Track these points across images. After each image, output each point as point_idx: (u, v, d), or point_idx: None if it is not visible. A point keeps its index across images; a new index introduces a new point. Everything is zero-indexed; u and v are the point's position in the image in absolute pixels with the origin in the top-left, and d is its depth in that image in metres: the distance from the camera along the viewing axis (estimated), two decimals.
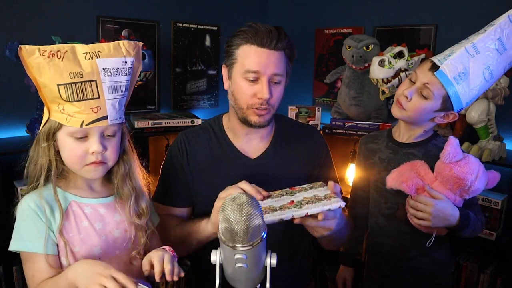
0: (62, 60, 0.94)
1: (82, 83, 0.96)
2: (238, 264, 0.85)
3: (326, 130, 2.43)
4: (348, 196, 1.62)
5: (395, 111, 1.35)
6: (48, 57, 0.93)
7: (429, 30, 2.34)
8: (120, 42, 1.03)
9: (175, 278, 0.95)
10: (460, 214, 1.23)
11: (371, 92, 2.33)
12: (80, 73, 0.96)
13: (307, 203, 1.02)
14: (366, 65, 2.29)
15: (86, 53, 0.97)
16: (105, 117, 1.00)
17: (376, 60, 2.07)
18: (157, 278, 0.95)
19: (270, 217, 0.95)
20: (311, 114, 2.51)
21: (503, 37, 1.22)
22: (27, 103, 1.98)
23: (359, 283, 1.61)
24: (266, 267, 0.90)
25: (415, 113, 1.30)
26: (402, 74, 2.05)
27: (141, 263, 1.02)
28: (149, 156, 2.22)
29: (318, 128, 2.47)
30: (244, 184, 1.09)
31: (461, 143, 1.90)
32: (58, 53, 0.94)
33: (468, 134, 2.02)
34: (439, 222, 1.22)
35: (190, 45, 2.64)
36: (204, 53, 2.73)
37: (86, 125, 0.97)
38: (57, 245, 1.02)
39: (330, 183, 1.09)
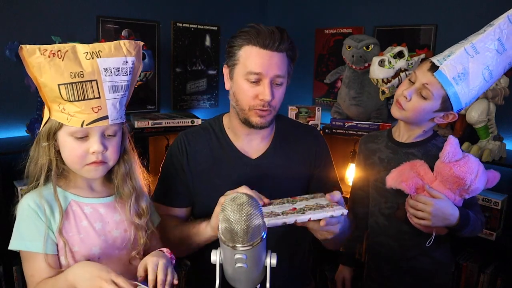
0: (62, 60, 0.94)
1: (82, 83, 0.96)
2: (238, 264, 0.85)
3: (326, 130, 2.43)
4: (348, 196, 1.62)
5: (395, 111, 1.35)
6: (49, 56, 0.93)
7: (429, 30, 2.34)
8: (121, 41, 1.03)
9: None
10: (460, 213, 1.23)
11: (371, 92, 2.33)
12: (81, 73, 0.96)
13: (309, 210, 1.02)
14: (366, 65, 2.29)
15: (87, 52, 0.97)
16: (106, 117, 1.00)
17: (376, 60, 2.07)
18: (150, 286, 0.95)
19: (273, 220, 0.95)
20: (311, 114, 2.51)
21: (503, 37, 1.22)
22: (27, 103, 1.98)
23: (359, 283, 1.61)
24: (266, 267, 0.90)
25: (414, 114, 1.30)
26: (402, 74, 2.05)
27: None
28: (149, 156, 2.22)
29: (318, 128, 2.47)
30: (244, 189, 1.08)
31: (461, 143, 1.90)
32: (59, 52, 0.94)
33: (468, 134, 2.02)
34: (439, 222, 1.22)
35: (190, 45, 2.64)
36: (204, 53, 2.73)
37: (86, 125, 0.97)
38: (57, 245, 1.02)
39: (327, 195, 1.07)
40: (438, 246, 1.34)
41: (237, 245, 0.83)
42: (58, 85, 0.94)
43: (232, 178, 1.29)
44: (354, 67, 2.35)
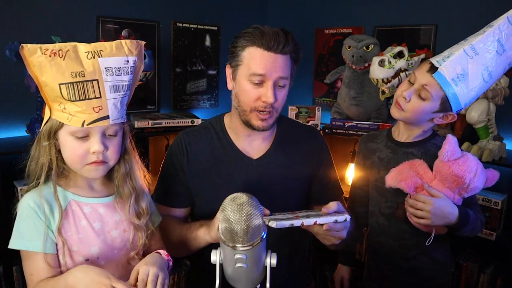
0: (64, 59, 0.94)
1: (83, 83, 0.96)
2: (238, 264, 0.85)
3: (326, 130, 2.43)
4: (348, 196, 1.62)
5: (394, 112, 1.35)
6: (50, 56, 0.93)
7: (429, 30, 2.34)
8: (122, 41, 1.03)
9: None
10: (459, 212, 1.23)
11: (371, 92, 2.33)
12: (82, 72, 0.96)
13: (313, 216, 1.03)
14: (366, 65, 2.30)
15: (88, 52, 0.97)
16: (107, 117, 1.00)
17: (376, 60, 2.07)
18: None
19: (280, 222, 0.95)
20: (311, 114, 2.51)
21: (502, 38, 1.22)
22: (27, 103, 1.98)
23: (359, 283, 1.61)
24: (266, 267, 0.90)
25: (413, 114, 1.30)
26: (402, 74, 2.06)
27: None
28: (149, 156, 2.22)
29: (318, 128, 2.47)
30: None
31: (461, 143, 1.90)
32: (60, 52, 0.94)
33: (468, 134, 2.02)
34: (439, 220, 1.23)
35: (190, 45, 2.64)
36: (204, 53, 2.73)
37: (87, 124, 0.97)
38: (56, 244, 1.02)
39: (323, 209, 1.06)
40: (437, 245, 1.34)
41: (237, 245, 0.83)
42: (59, 84, 0.94)
43: (233, 178, 1.29)
44: (354, 67, 2.35)
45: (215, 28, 2.75)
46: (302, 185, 1.38)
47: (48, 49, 0.93)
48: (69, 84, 0.95)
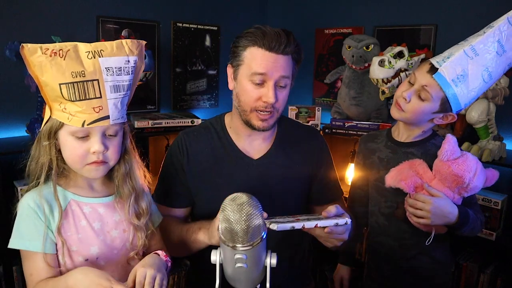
0: (64, 59, 0.94)
1: (84, 82, 0.96)
2: (238, 264, 0.85)
3: (326, 130, 2.43)
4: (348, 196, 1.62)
5: (394, 112, 1.35)
6: (50, 55, 0.93)
7: (429, 30, 2.34)
8: (123, 40, 1.03)
9: None
10: (459, 211, 1.23)
11: (371, 92, 2.33)
12: (82, 72, 0.96)
13: (313, 219, 1.03)
14: (366, 65, 2.30)
15: (89, 52, 0.97)
16: (107, 117, 1.00)
17: (376, 60, 2.07)
18: None
19: (282, 224, 0.95)
20: (311, 114, 2.51)
21: (502, 39, 1.22)
22: (27, 103, 1.98)
23: (359, 283, 1.61)
24: (266, 267, 0.90)
25: (413, 115, 1.30)
26: (402, 74, 2.06)
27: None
28: (149, 156, 2.22)
29: (318, 128, 2.47)
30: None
31: (461, 143, 1.90)
32: (61, 51, 0.94)
33: (468, 134, 2.02)
34: (438, 220, 1.23)
35: (190, 45, 2.64)
36: (204, 53, 2.73)
37: (87, 124, 0.97)
38: (56, 244, 1.02)
39: (323, 212, 1.06)
40: (437, 245, 1.34)
41: (237, 245, 0.83)
42: (59, 84, 0.94)
43: (234, 178, 1.29)
44: (354, 67, 2.35)
45: (215, 28, 2.75)
46: (302, 185, 1.38)
47: (48, 49, 0.93)
48: (70, 84, 0.95)
